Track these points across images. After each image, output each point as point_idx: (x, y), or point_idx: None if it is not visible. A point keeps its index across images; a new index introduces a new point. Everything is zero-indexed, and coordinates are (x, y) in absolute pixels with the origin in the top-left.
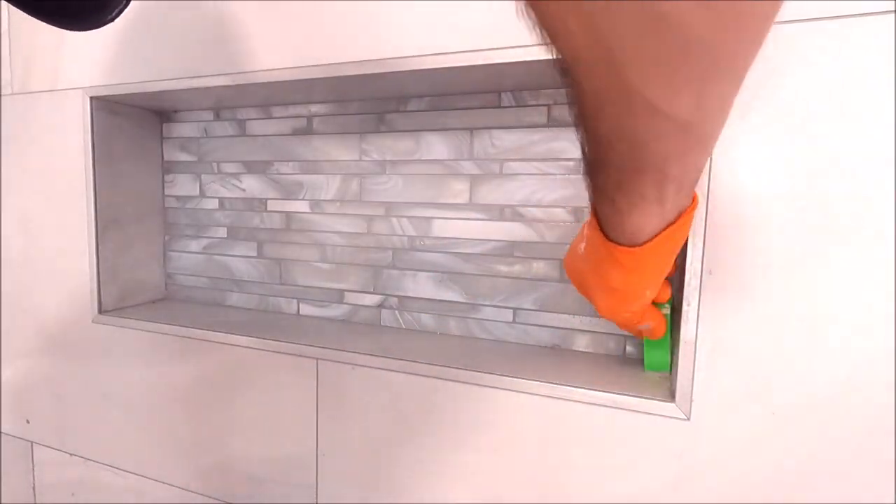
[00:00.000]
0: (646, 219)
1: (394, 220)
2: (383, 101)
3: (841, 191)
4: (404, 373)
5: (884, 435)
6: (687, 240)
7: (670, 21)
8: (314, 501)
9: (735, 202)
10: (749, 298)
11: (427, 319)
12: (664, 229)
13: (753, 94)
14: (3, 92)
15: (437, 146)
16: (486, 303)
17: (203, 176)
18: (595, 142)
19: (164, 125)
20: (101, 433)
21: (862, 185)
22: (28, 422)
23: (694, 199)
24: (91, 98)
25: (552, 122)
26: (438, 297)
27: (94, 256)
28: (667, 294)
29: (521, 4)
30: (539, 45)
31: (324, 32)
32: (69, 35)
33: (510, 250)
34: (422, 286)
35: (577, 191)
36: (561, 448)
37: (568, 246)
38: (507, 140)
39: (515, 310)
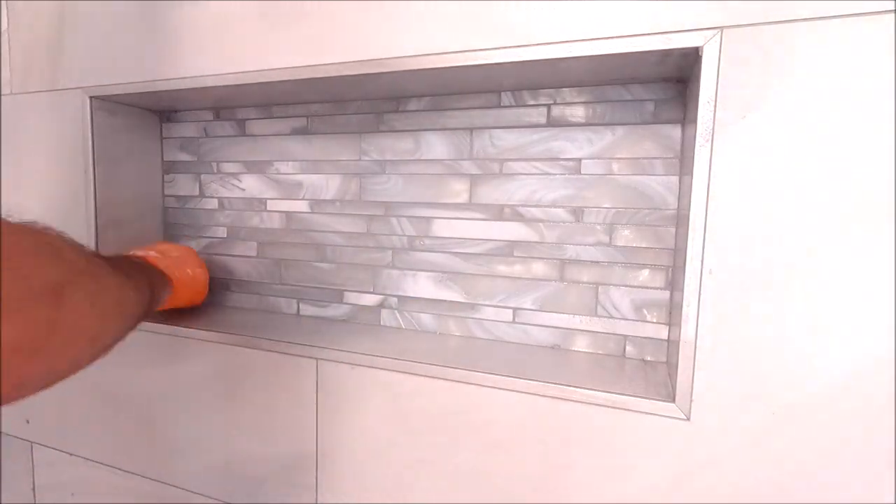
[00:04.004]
0: None
1: (393, 219)
2: (383, 101)
3: (841, 190)
4: (404, 373)
5: (884, 435)
6: (689, 239)
7: None
8: (314, 501)
9: (735, 202)
10: (749, 298)
11: (427, 319)
12: None
13: (754, 93)
14: (3, 92)
15: (436, 146)
16: (486, 303)
17: (203, 176)
18: None
19: (164, 125)
20: (101, 433)
21: (862, 185)
22: (28, 422)
23: None
24: (91, 98)
25: (552, 122)
26: (438, 297)
27: None
28: None
29: None
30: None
31: (323, 32)
32: (69, 35)
33: (510, 250)
34: (421, 286)
35: (576, 190)
36: (561, 448)
37: (569, 246)
38: (506, 140)
39: (515, 310)
